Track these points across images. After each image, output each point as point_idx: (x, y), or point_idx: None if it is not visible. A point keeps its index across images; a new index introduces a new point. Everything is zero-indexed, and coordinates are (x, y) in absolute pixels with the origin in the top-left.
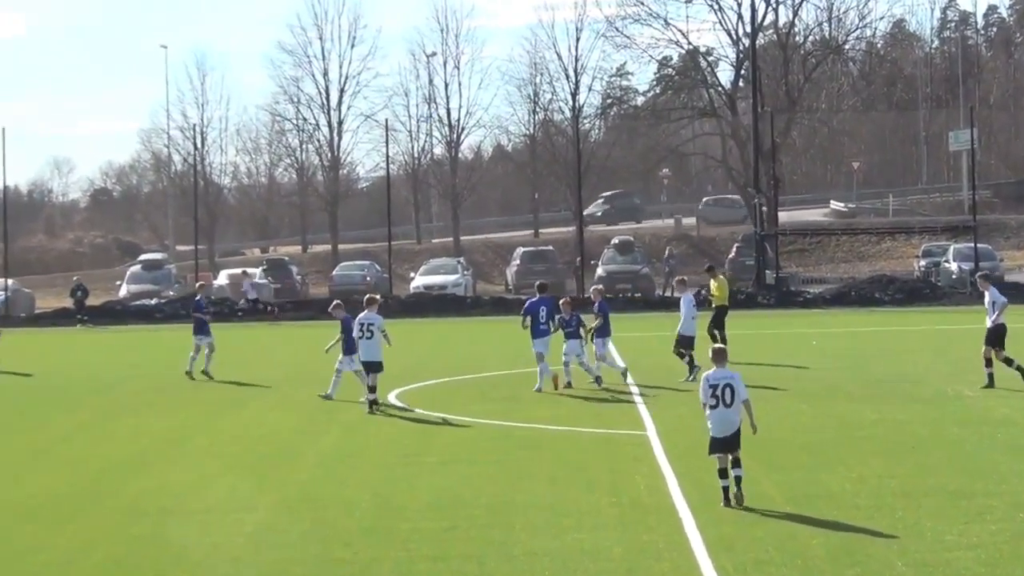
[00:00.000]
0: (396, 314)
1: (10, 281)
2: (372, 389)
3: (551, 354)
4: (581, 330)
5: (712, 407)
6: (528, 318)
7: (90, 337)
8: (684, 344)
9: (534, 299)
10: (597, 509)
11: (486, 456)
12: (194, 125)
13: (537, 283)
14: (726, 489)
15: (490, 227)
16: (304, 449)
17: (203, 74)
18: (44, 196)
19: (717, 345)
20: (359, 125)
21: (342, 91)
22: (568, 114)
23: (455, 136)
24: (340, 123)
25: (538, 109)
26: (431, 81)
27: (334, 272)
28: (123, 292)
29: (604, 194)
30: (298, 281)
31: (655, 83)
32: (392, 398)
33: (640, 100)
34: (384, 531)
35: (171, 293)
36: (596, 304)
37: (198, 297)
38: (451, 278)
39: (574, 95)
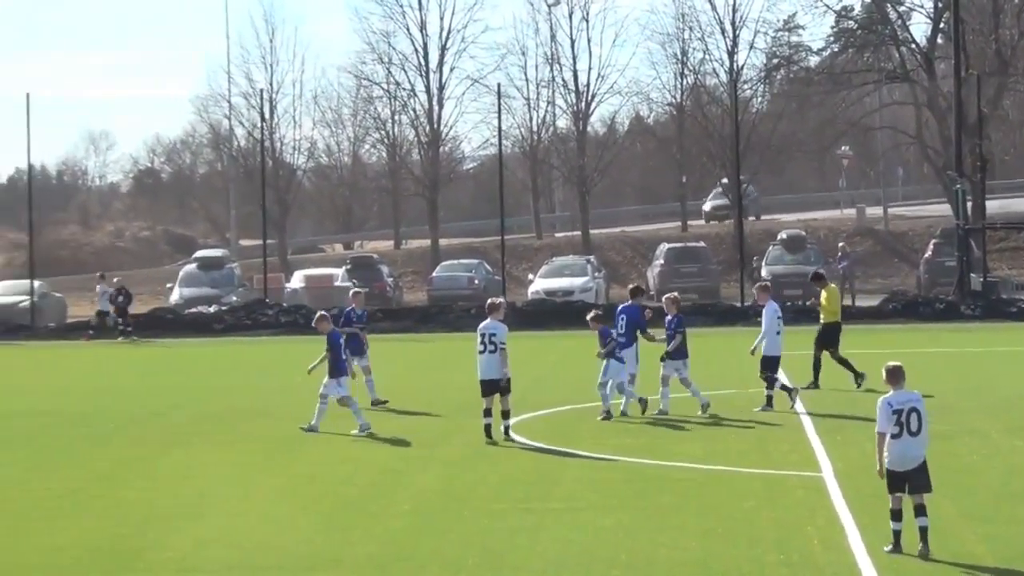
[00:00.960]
0: (511, 326)
1: (37, 283)
2: (487, 412)
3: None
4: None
5: (895, 436)
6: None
7: (133, 353)
8: (770, 367)
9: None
10: (760, 569)
11: (623, 502)
12: (261, 91)
13: (630, 287)
14: (897, 534)
15: (627, 218)
16: (397, 492)
17: (272, 28)
18: (77, 178)
19: (893, 363)
20: (464, 91)
21: (443, 49)
22: (724, 78)
23: (583, 105)
24: (441, 89)
25: (687, 72)
26: (553, 37)
27: (434, 273)
28: (175, 297)
29: (723, 182)
30: (390, 284)
31: (832, 40)
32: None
33: (814, 61)
34: None
35: (234, 299)
36: (671, 318)
37: (348, 309)
38: (579, 281)
39: (731, 54)
